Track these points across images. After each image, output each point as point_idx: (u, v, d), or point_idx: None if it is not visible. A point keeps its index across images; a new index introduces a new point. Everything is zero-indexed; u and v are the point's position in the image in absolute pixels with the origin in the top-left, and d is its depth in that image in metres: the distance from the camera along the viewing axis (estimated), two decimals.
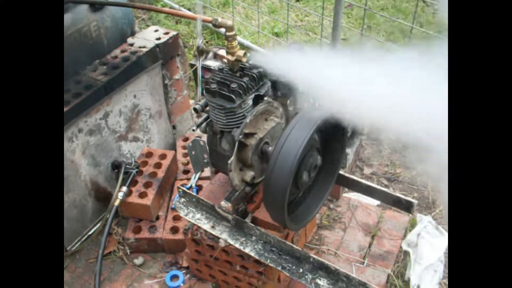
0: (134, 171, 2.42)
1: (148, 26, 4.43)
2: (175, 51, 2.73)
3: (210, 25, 1.68)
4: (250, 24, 4.38)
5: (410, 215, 2.43)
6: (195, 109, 1.79)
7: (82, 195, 2.37)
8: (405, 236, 2.41)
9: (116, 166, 2.48)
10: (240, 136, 1.68)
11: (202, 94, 1.94)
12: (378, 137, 3.15)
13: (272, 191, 1.57)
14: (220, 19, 1.64)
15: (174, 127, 2.95)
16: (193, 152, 1.99)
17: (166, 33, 2.67)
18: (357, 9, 4.51)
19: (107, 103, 2.37)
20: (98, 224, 2.40)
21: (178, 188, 1.97)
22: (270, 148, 1.77)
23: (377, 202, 2.53)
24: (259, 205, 1.97)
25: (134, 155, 2.64)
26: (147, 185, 2.42)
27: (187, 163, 2.70)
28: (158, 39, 2.61)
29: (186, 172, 2.67)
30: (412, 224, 2.48)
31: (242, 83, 1.67)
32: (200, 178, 2.56)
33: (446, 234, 2.43)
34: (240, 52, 1.67)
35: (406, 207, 2.03)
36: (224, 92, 1.67)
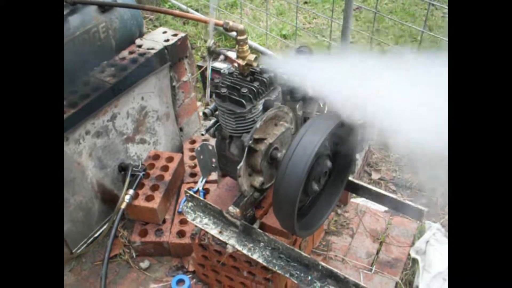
0: (141, 174, 2.40)
1: (155, 26, 4.43)
2: (183, 53, 2.71)
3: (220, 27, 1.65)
4: (258, 25, 4.36)
5: (419, 222, 2.40)
6: (204, 114, 1.77)
7: (89, 198, 2.36)
8: (413, 243, 2.38)
9: (122, 169, 2.46)
10: (250, 142, 1.66)
11: (211, 96, 1.92)
12: (386, 142, 3.13)
13: (282, 199, 1.55)
14: (231, 23, 1.62)
15: (181, 130, 2.94)
16: (201, 156, 1.97)
17: (175, 35, 2.65)
18: (366, 12, 4.48)
19: (114, 105, 2.36)
20: (104, 227, 2.39)
21: (186, 192, 1.95)
22: (279, 154, 1.75)
23: (385, 208, 2.51)
24: (268, 210, 1.94)
25: (141, 157, 2.62)
26: (154, 188, 2.40)
27: (194, 166, 2.69)
28: (167, 40, 2.60)
29: (193, 175, 2.65)
30: (421, 231, 2.45)
31: (253, 88, 1.65)
32: (207, 182, 2.54)
33: None
34: (251, 57, 1.65)
35: (416, 214, 2.01)
36: (234, 97, 1.65)
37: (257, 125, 1.66)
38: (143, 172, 2.42)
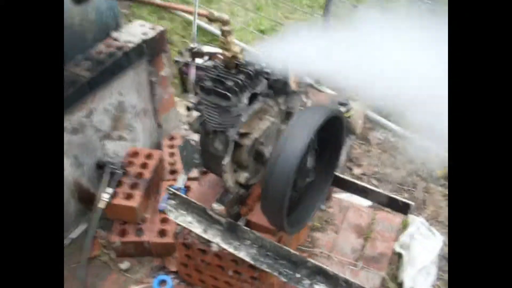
0: (119, 172, 2.32)
1: (130, 21, 4.32)
2: (162, 47, 2.63)
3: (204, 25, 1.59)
4: (235, 21, 4.30)
5: (403, 216, 2.39)
6: (187, 108, 1.71)
7: (65, 197, 2.26)
8: (398, 237, 2.37)
9: (100, 167, 2.37)
10: (236, 136, 1.61)
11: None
12: (367, 137, 3.12)
13: (271, 196, 1.51)
14: (216, 13, 1.56)
15: (159, 126, 2.86)
16: (184, 153, 1.91)
17: (153, 28, 2.57)
18: None
19: (91, 100, 2.27)
20: (82, 227, 2.30)
21: (167, 189, 1.89)
22: (266, 149, 1.70)
23: (369, 203, 2.49)
24: (253, 208, 1.89)
25: (119, 154, 2.53)
26: (134, 186, 2.32)
27: (174, 163, 2.61)
28: (145, 34, 2.51)
29: (173, 172, 2.57)
30: (405, 225, 2.44)
31: (238, 81, 1.60)
32: (188, 179, 2.47)
33: (439, 235, 2.41)
34: (237, 48, 1.60)
35: (403, 208, 2.00)
36: (219, 90, 1.59)
37: (243, 118, 1.61)
38: (123, 170, 2.34)
